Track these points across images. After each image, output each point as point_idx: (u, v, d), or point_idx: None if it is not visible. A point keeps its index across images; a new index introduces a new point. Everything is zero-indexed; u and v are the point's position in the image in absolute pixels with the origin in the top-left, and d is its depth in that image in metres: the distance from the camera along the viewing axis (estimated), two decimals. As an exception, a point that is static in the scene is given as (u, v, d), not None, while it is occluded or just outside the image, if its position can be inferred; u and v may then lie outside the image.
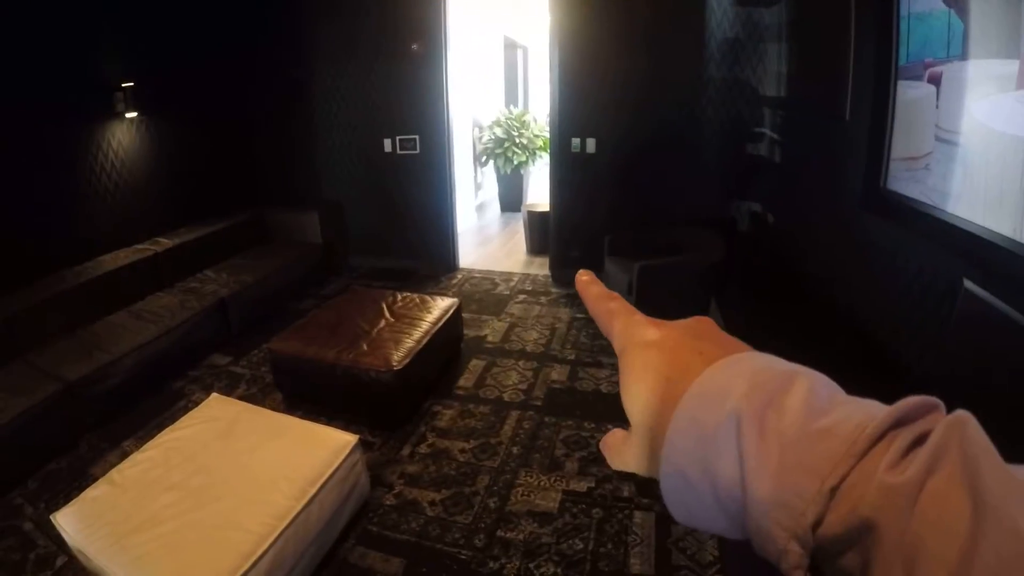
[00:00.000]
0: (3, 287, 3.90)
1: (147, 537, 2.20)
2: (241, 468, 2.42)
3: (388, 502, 2.75)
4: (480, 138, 7.17)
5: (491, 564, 2.39)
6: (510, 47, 8.89)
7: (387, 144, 5.29)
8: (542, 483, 2.75)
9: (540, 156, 6.91)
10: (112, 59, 4.44)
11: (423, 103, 5.12)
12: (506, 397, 3.41)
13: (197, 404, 3.14)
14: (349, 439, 2.54)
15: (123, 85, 4.42)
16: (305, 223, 5.49)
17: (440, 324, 3.53)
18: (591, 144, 4.76)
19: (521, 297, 4.62)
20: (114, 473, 2.62)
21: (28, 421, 3.29)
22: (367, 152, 5.47)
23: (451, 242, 5.38)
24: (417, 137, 5.17)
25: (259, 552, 2.09)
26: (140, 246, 4.66)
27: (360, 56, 5.23)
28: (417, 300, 3.79)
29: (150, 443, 2.73)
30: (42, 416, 3.34)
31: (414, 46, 4.93)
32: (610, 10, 4.53)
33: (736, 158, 4.60)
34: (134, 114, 4.55)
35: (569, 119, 4.78)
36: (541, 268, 5.19)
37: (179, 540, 2.16)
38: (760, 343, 0.38)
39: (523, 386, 3.49)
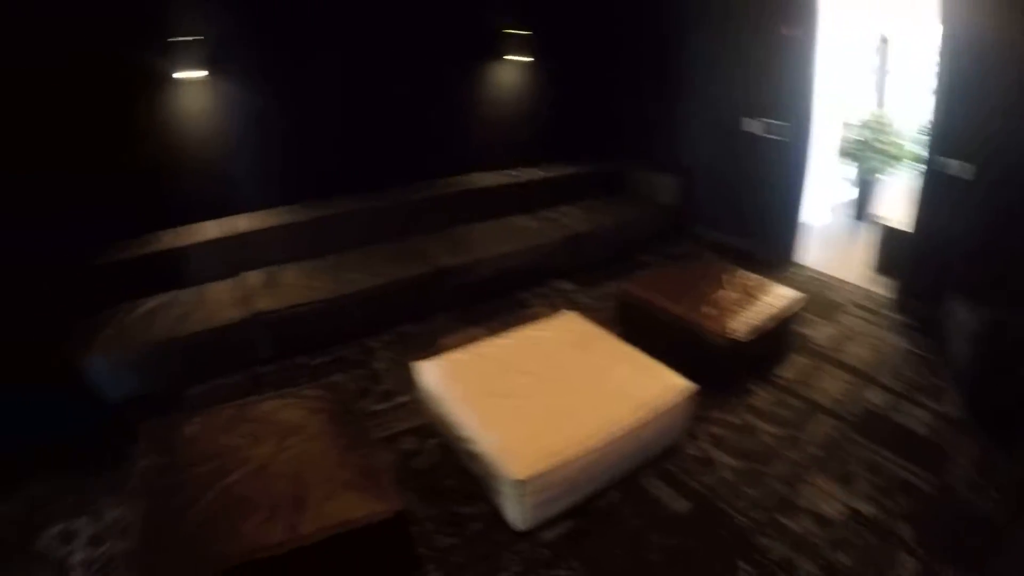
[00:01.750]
0: (400, 184, 5.01)
1: (500, 403, 2.63)
2: (588, 375, 2.78)
3: (691, 452, 2.98)
4: (846, 136, 6.70)
5: (762, 539, 2.51)
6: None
7: (746, 123, 5.21)
8: (830, 491, 2.74)
9: (900, 166, 6.11)
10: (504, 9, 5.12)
11: (787, 88, 4.90)
12: (820, 401, 3.38)
13: (537, 316, 3.59)
14: (688, 385, 2.79)
15: (512, 32, 5.05)
16: (659, 184, 5.77)
17: (783, 312, 3.59)
18: (969, 170, 3.86)
19: (856, 311, 4.42)
20: (474, 347, 3.15)
21: (399, 287, 4.15)
22: (725, 128, 5.43)
23: (793, 235, 5.27)
24: (778, 122, 4.97)
25: (591, 444, 2.42)
26: (508, 172, 5.40)
27: (729, 31, 5.17)
28: (760, 282, 3.86)
29: (506, 333, 3.23)
30: (409, 287, 4.18)
31: (784, 29, 4.75)
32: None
33: None
34: (519, 57, 5.18)
35: (947, 134, 3.98)
36: (884, 288, 4.88)
37: (526, 413, 2.55)
38: None
39: (839, 396, 3.42)
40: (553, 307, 4.10)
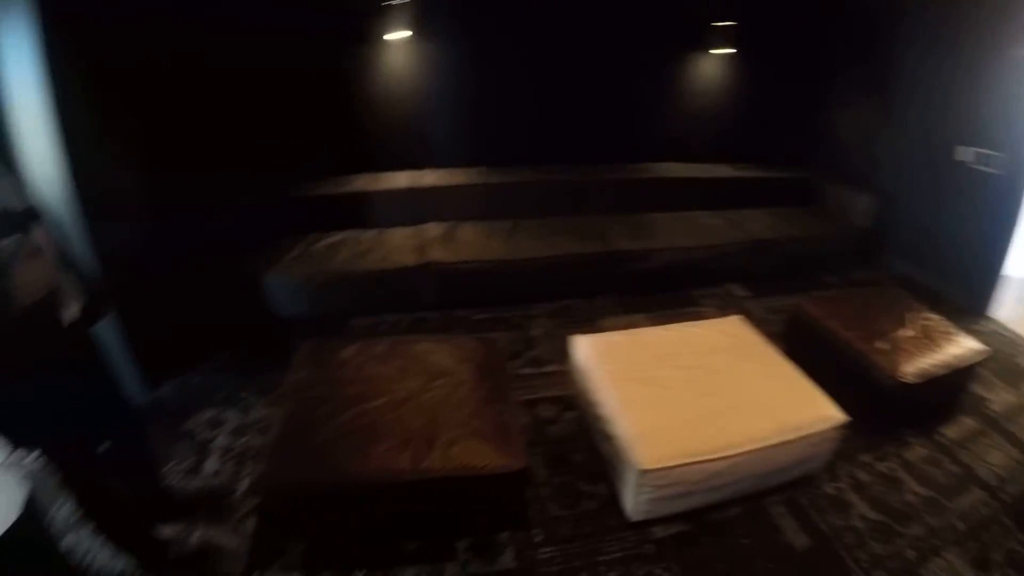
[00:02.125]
0: (586, 162, 5.12)
1: (645, 391, 2.66)
2: (740, 383, 2.73)
3: (827, 489, 2.83)
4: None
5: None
6: None
7: (959, 152, 4.78)
8: (961, 572, 2.55)
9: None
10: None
11: (1008, 115, 4.33)
12: (979, 472, 3.10)
13: (704, 316, 3.57)
14: (840, 418, 2.65)
15: (718, 23, 4.92)
16: (853, 203, 5.38)
17: (961, 363, 3.29)
18: None
19: (1050, 383, 4.01)
20: (633, 331, 3.19)
21: (570, 261, 4.26)
22: (934, 154, 4.91)
23: (992, 283, 4.80)
24: (992, 152, 4.53)
25: (725, 453, 2.40)
26: (699, 165, 5.31)
27: (960, 51, 4.61)
28: (944, 327, 3.53)
29: (668, 326, 3.23)
30: (581, 263, 4.27)
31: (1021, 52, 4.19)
32: None
33: None
34: (722, 50, 5.04)
35: None
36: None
37: (669, 406, 2.57)
38: None
39: (1001, 472, 3.10)
40: (722, 310, 4.06)
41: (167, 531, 2.64)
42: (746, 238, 4.67)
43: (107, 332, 2.59)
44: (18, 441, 1.93)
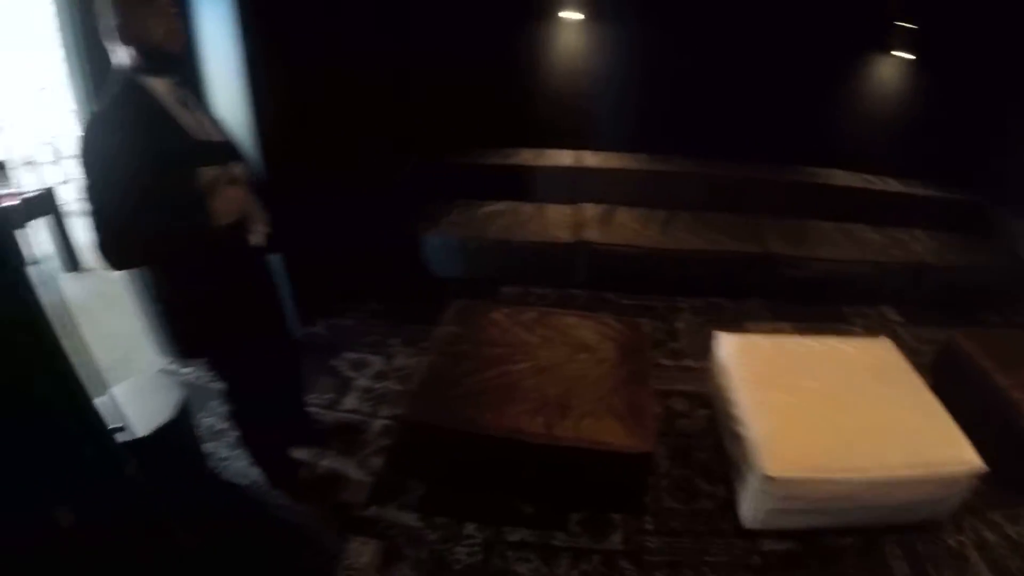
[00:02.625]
0: (749, 159, 5.00)
1: (781, 398, 2.66)
2: (879, 409, 2.65)
3: (948, 540, 2.62)
4: None
5: None
6: None
7: None
8: None
9: None
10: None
11: None
12: None
13: (852, 335, 3.53)
14: (978, 465, 2.46)
15: (899, 25, 4.57)
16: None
17: None
18: None
19: None
20: (779, 338, 3.20)
21: (723, 259, 4.26)
22: None
23: None
24: None
25: (852, 476, 2.37)
26: (865, 176, 5.04)
27: None
28: None
29: (815, 338, 3.17)
30: (734, 261, 4.28)
31: None
32: None
33: None
34: (901, 54, 4.69)
35: None
36: None
37: (803, 418, 2.56)
38: None
39: None
40: (870, 331, 3.92)
41: (300, 454, 2.95)
42: (907, 259, 4.39)
43: (276, 263, 2.95)
44: (200, 336, 2.28)
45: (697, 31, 4.66)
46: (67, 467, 1.83)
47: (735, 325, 3.79)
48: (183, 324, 2.29)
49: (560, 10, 4.55)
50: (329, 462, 2.92)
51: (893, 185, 4.99)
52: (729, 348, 3.05)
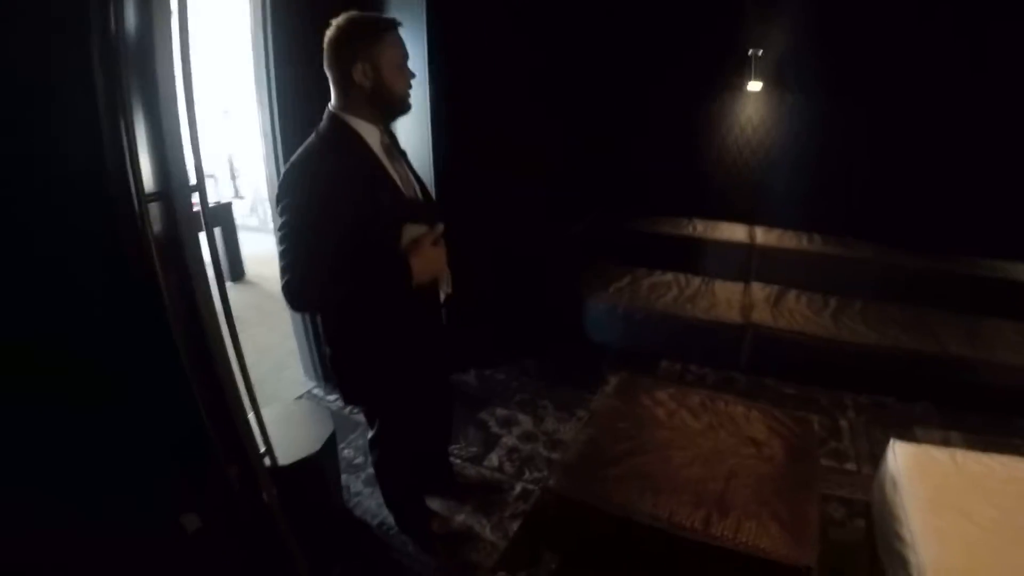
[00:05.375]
0: (931, 248, 4.67)
1: (959, 523, 2.42)
2: None
3: None
4: None
5: None
6: None
7: None
8: None
9: None
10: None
11: None
12: None
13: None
14: None
15: None
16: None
17: None
18: None
19: None
20: (956, 453, 2.87)
21: (897, 356, 3.96)
22: None
23: None
24: None
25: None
26: None
27: None
28: None
29: (995, 457, 2.82)
30: (908, 360, 3.96)
31: None
32: None
33: None
34: None
35: None
36: None
37: (981, 552, 2.32)
38: None
39: None
40: None
41: (436, 504, 3.01)
42: None
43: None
44: (366, 380, 2.28)
45: (881, 106, 4.49)
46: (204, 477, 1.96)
47: (902, 428, 3.60)
48: (350, 366, 2.25)
49: (745, 81, 4.62)
50: (464, 518, 2.98)
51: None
52: (903, 459, 2.83)
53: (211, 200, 5.98)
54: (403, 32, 2.01)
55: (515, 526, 2.93)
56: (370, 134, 2.01)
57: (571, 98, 4.69)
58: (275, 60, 3.23)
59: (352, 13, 1.93)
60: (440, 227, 2.12)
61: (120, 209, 1.70)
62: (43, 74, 1.50)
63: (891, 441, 2.95)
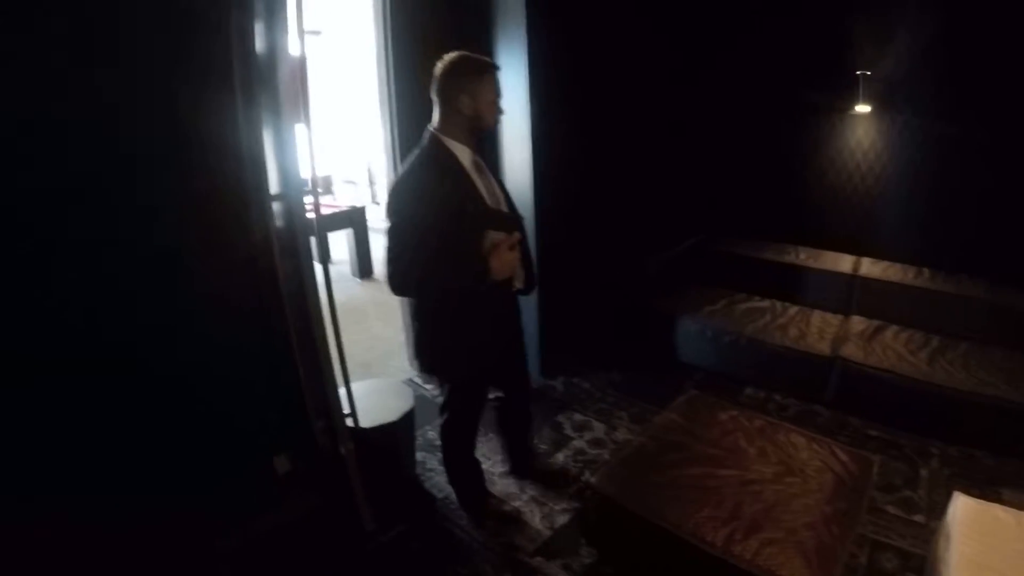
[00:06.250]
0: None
1: None
2: None
3: None
4: None
5: None
6: None
7: None
8: None
9: None
10: None
11: None
12: None
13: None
14: None
15: None
16: None
17: None
18: None
19: None
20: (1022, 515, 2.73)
21: (999, 405, 3.67)
22: None
23: None
24: None
25: None
26: None
27: None
28: None
29: None
30: (1005, 413, 3.66)
31: None
32: None
33: None
34: None
35: None
36: None
37: None
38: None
39: None
40: None
41: (497, 487, 3.36)
42: None
43: (530, 316, 3.43)
44: (445, 359, 2.73)
45: (999, 130, 4.13)
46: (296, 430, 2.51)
47: (988, 486, 3.39)
48: (430, 339, 2.69)
49: (853, 103, 4.51)
50: (519, 504, 3.27)
51: None
52: (962, 514, 2.67)
53: (347, 204, 6.62)
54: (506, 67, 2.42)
55: (563, 520, 3.15)
56: (462, 153, 2.45)
57: (677, 119, 4.81)
58: (395, 81, 3.67)
59: (463, 52, 2.41)
60: (517, 235, 2.51)
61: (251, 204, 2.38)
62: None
63: (954, 494, 2.82)
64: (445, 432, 3.01)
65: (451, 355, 2.66)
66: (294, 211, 2.53)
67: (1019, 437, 3.72)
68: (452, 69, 2.38)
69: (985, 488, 3.34)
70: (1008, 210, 4.27)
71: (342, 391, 2.89)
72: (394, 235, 2.32)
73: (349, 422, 2.89)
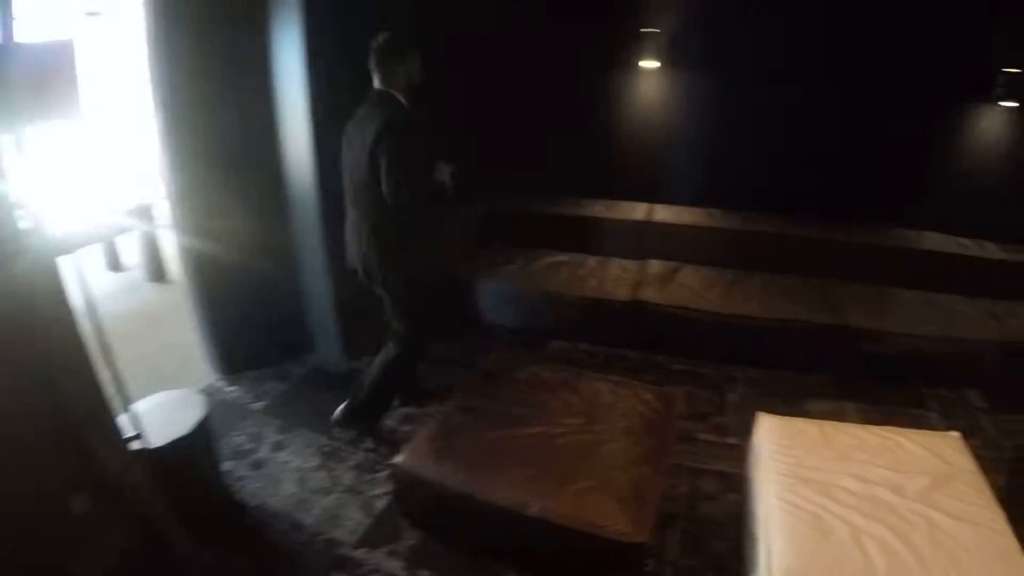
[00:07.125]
0: (830, 219, 4.59)
1: (814, 500, 2.24)
2: (929, 529, 2.15)
3: None
4: None
5: None
6: None
7: None
8: None
9: None
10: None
11: None
12: None
13: (922, 422, 3.19)
14: None
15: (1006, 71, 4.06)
16: None
17: None
18: None
19: None
20: (827, 425, 2.72)
21: (792, 329, 3.86)
22: None
23: None
24: None
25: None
26: (960, 240, 4.41)
27: None
28: None
29: (869, 428, 2.70)
30: (804, 333, 3.85)
31: None
32: None
33: None
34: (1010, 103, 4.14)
35: None
36: None
37: (833, 532, 2.11)
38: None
39: None
40: (948, 419, 3.45)
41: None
42: (1001, 337, 3.76)
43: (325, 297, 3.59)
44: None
45: (776, 79, 4.34)
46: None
47: (793, 402, 3.46)
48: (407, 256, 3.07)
49: (639, 59, 4.52)
50: (333, 497, 2.99)
51: (992, 251, 4.32)
52: (769, 431, 2.67)
53: (135, 203, 5.75)
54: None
55: (381, 505, 2.91)
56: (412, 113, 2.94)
57: (464, 79, 4.53)
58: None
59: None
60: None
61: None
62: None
63: (757, 414, 2.82)
64: (402, 357, 3.18)
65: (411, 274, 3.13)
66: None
67: (813, 353, 3.89)
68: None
69: (791, 403, 3.41)
70: (784, 149, 4.53)
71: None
72: (394, 166, 2.78)
73: (137, 444, 2.44)
